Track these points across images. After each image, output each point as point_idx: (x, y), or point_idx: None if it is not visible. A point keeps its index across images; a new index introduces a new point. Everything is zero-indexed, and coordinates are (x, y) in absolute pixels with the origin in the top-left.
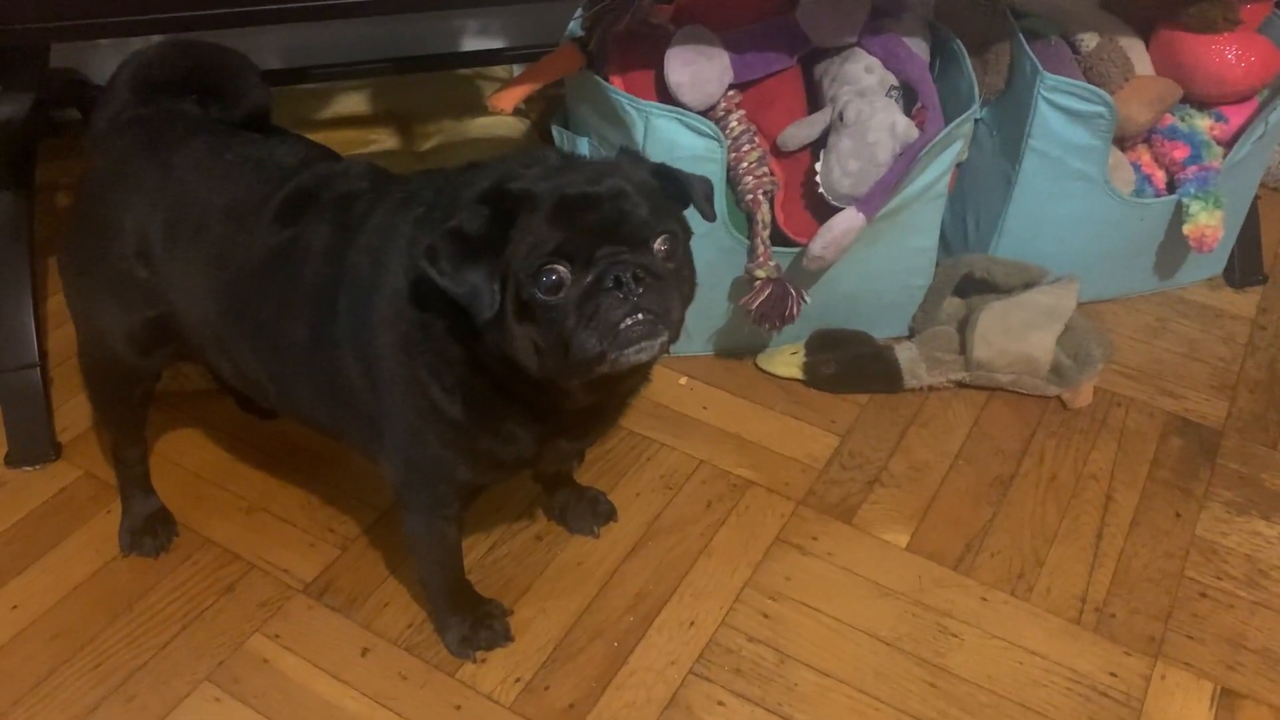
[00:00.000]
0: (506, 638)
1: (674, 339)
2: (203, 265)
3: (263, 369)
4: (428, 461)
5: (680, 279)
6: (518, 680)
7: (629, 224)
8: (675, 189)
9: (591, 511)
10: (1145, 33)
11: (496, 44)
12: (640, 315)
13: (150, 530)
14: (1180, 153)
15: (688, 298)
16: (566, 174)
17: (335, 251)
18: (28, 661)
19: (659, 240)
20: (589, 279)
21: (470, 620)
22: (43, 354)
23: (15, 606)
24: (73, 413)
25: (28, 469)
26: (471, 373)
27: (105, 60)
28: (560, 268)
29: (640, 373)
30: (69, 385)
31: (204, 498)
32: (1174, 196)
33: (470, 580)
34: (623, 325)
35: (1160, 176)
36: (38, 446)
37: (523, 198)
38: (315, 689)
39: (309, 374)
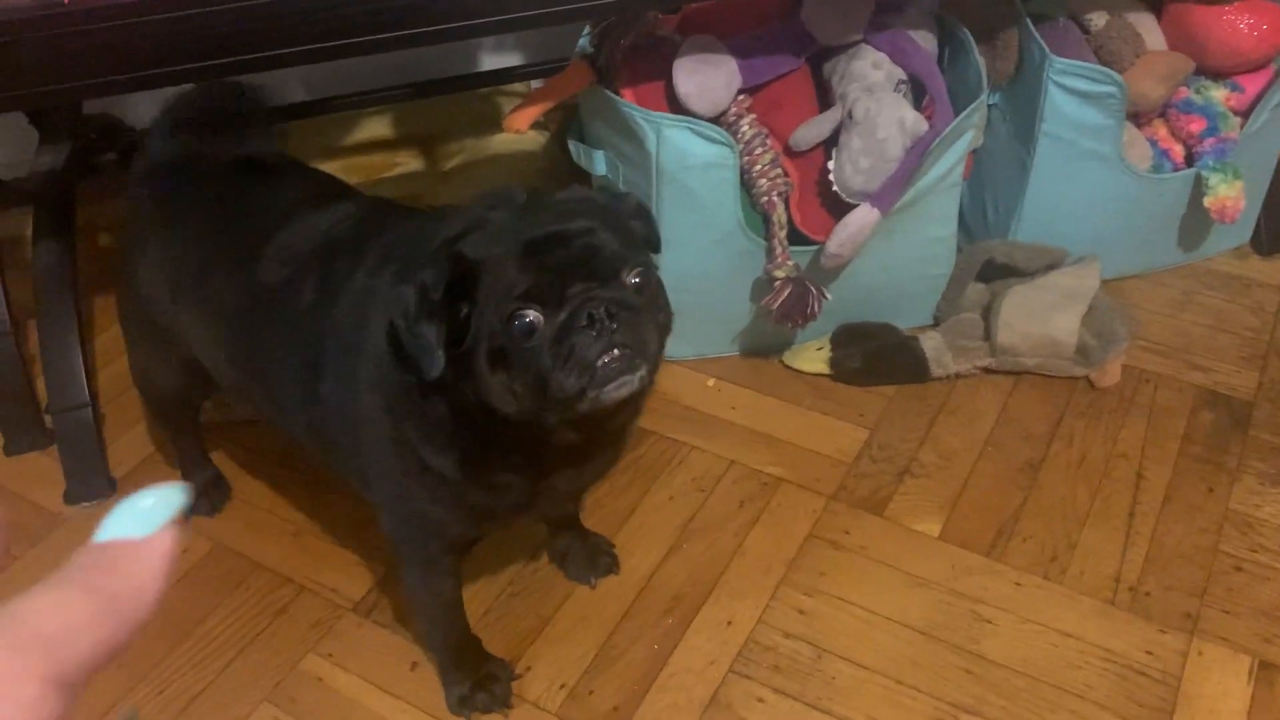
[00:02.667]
0: (505, 704)
1: (654, 371)
2: (205, 316)
3: (272, 411)
4: (418, 519)
5: (655, 309)
6: (562, 686)
7: (598, 259)
8: (644, 222)
9: (591, 562)
10: (1156, 7)
11: (513, 61)
12: (616, 351)
13: (205, 494)
14: (1196, 125)
15: (664, 327)
16: (531, 215)
17: (319, 309)
18: (96, 691)
19: (631, 273)
20: (562, 318)
21: (472, 681)
22: (93, 393)
23: None
24: (125, 449)
25: (85, 505)
26: (459, 428)
27: (139, 104)
28: (532, 311)
29: (628, 408)
30: (120, 422)
31: (254, 524)
32: (1192, 170)
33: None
34: (600, 362)
35: (1178, 150)
36: (93, 483)
37: (480, 262)
38: (369, 704)
39: (305, 423)
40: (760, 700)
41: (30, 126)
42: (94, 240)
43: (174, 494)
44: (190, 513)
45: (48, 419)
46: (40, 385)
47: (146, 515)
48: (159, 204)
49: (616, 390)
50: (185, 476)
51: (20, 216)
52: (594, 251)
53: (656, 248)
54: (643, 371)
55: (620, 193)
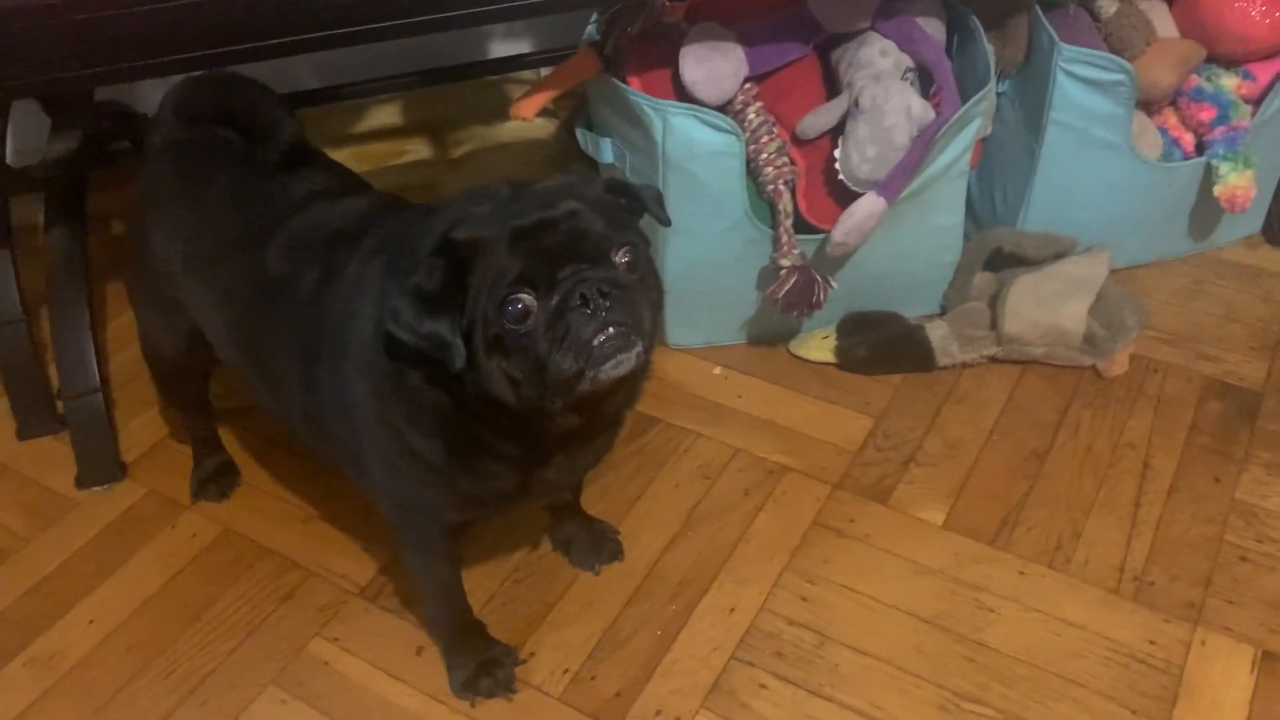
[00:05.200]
0: (509, 689)
1: (649, 348)
2: (214, 295)
3: (267, 397)
4: (411, 502)
5: (647, 287)
6: (566, 671)
7: (587, 240)
8: (629, 200)
9: (596, 549)
10: None
11: (522, 49)
12: (611, 329)
13: (215, 480)
14: (1207, 114)
15: (657, 305)
16: (516, 205)
17: (318, 296)
18: (107, 672)
19: (620, 252)
20: (555, 301)
21: (476, 664)
22: (104, 379)
23: (92, 621)
24: (136, 433)
25: (96, 489)
26: (449, 416)
27: (151, 91)
28: (525, 295)
29: (623, 392)
30: (131, 407)
31: (263, 509)
32: (1203, 159)
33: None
34: (595, 341)
35: (1188, 139)
36: (104, 468)
37: (473, 243)
38: (374, 688)
39: (302, 411)
40: (763, 687)
41: (43, 114)
42: (106, 227)
43: None
44: (199, 498)
45: (60, 405)
46: (52, 371)
47: None
48: (178, 179)
49: (615, 369)
50: (196, 463)
51: (33, 204)
52: (581, 233)
53: (655, 214)
54: (639, 348)
55: (594, 176)
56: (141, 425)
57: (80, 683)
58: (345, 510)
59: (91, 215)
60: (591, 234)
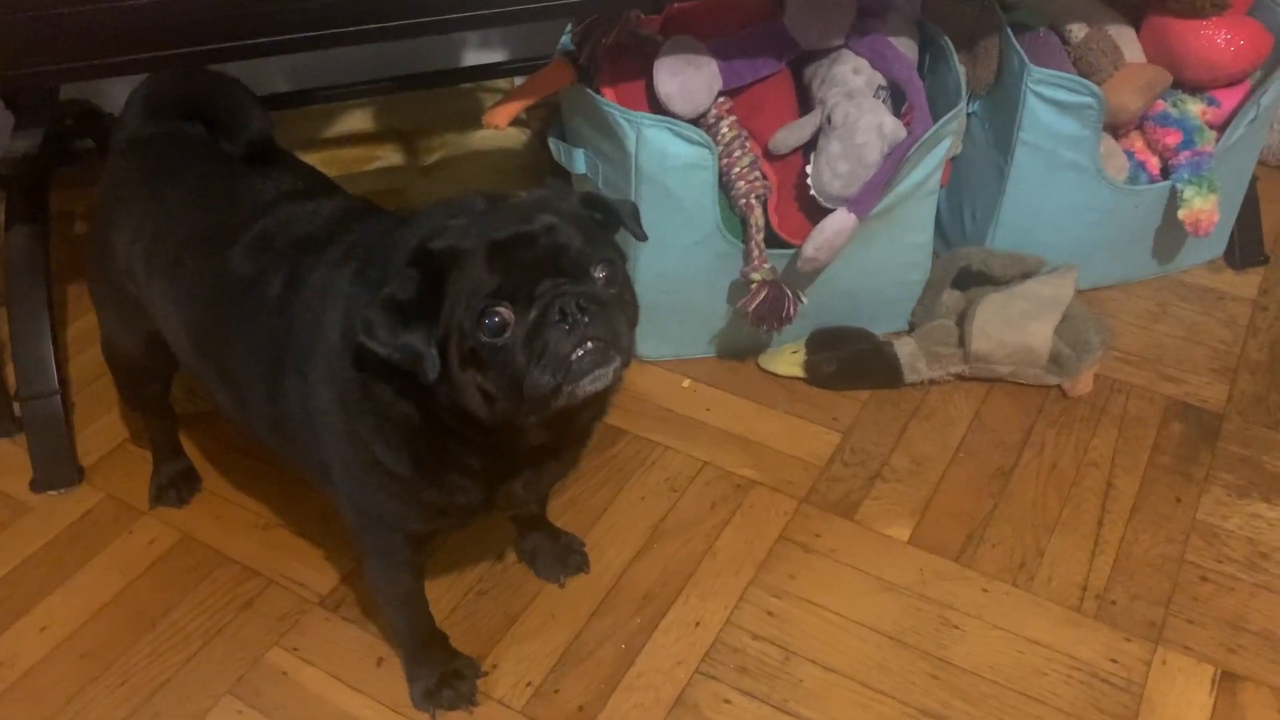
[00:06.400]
0: (470, 701)
1: (626, 363)
2: (176, 296)
3: (228, 402)
4: (375, 511)
5: (624, 303)
6: (528, 684)
7: (566, 255)
8: (605, 215)
9: (562, 561)
10: (1135, 20)
11: (496, 57)
12: (590, 344)
13: (174, 485)
14: (1173, 138)
15: (633, 320)
16: (494, 217)
17: (284, 302)
18: (58, 681)
19: (598, 268)
20: (533, 315)
21: (437, 675)
22: (63, 381)
23: (44, 628)
24: (95, 437)
25: (52, 494)
26: (417, 428)
27: (117, 90)
28: (502, 309)
29: (594, 406)
30: (91, 410)
31: (222, 516)
32: (1168, 182)
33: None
34: (574, 356)
35: (1154, 163)
36: (61, 472)
37: (450, 254)
38: (333, 700)
39: (264, 417)
40: (727, 701)
41: (6, 110)
42: (68, 227)
43: None
44: (158, 503)
45: (16, 406)
46: (10, 372)
47: None
48: (142, 177)
49: (592, 384)
50: (155, 468)
51: None
52: (560, 248)
53: (632, 230)
54: (617, 363)
55: (569, 189)
56: (101, 429)
57: (31, 691)
58: (307, 518)
59: (54, 214)
60: (570, 249)
